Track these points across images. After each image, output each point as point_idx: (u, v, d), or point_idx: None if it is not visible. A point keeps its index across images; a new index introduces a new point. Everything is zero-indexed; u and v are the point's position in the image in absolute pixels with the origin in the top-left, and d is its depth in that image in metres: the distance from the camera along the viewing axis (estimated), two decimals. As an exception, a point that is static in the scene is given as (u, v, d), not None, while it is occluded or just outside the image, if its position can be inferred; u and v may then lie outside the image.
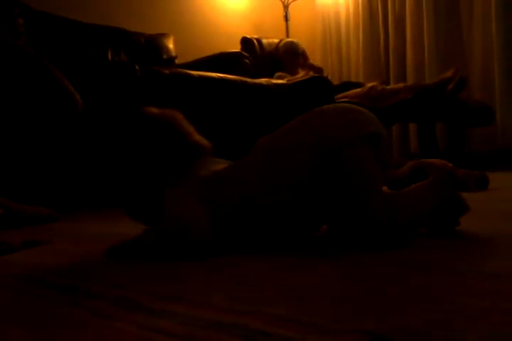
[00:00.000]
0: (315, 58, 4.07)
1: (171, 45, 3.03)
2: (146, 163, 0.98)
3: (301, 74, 3.08)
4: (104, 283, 0.66)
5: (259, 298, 0.54)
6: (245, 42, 3.43)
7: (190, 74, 2.08)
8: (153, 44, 2.93)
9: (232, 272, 0.69)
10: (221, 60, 2.80)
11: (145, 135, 1.01)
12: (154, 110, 1.07)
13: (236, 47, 3.28)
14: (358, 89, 3.03)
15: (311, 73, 3.05)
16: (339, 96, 2.96)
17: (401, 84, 3.13)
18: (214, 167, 0.96)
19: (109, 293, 0.60)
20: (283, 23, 4.18)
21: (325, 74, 3.15)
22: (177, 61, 2.99)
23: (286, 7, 4.19)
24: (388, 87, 3.04)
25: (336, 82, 3.58)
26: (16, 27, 2.34)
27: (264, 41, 3.50)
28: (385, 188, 1.09)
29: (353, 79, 3.92)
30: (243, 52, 3.02)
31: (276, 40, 3.55)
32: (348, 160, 0.83)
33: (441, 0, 3.61)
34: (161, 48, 2.96)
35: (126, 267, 0.77)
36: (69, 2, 2.90)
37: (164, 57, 2.94)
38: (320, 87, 2.72)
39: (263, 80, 2.49)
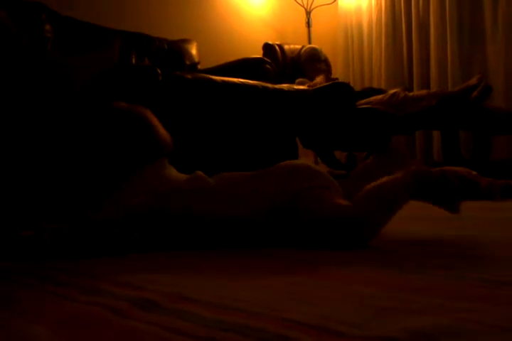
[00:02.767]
0: (337, 64, 4.06)
1: (193, 51, 3.06)
2: (110, 153, 1.04)
3: (318, 80, 3.07)
4: (119, 283, 0.66)
5: (275, 301, 0.54)
6: (267, 48, 3.44)
7: (212, 79, 2.09)
8: (176, 50, 2.96)
9: (246, 275, 0.69)
10: (243, 66, 2.80)
11: (112, 126, 1.07)
12: (123, 104, 1.13)
13: (258, 54, 3.30)
14: (380, 96, 3.00)
15: (322, 77, 3.04)
16: (361, 102, 2.94)
17: (424, 91, 3.09)
18: (164, 178, 1.01)
19: (127, 293, 0.60)
20: (305, 29, 4.19)
21: (346, 81, 3.14)
22: (199, 67, 3.01)
23: (308, 13, 4.20)
24: (411, 94, 3.01)
25: (357, 88, 3.56)
26: (43, 32, 2.40)
27: (286, 47, 3.51)
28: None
29: (375, 86, 3.90)
30: (265, 58, 3.03)
31: (298, 47, 3.55)
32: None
33: (465, 6, 3.57)
34: (184, 54, 2.98)
35: (137, 267, 0.78)
36: (94, 8, 2.95)
37: (187, 62, 2.96)
38: (342, 93, 2.70)
39: (284, 86, 2.48)
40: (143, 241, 0.94)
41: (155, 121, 1.13)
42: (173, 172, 1.06)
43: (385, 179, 0.98)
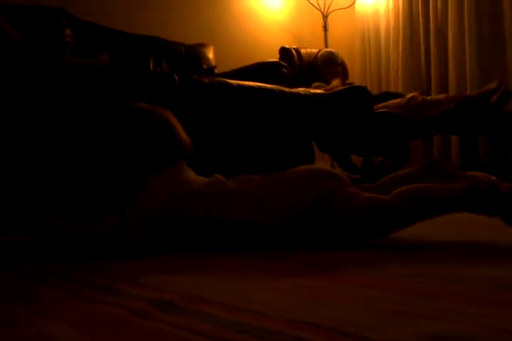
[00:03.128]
0: (354, 68, 4.05)
1: (210, 55, 3.08)
2: (130, 154, 1.05)
3: (334, 84, 3.06)
4: (138, 284, 0.67)
5: (288, 303, 0.54)
6: (284, 52, 3.45)
7: (229, 83, 2.10)
8: (193, 54, 2.99)
9: (259, 277, 0.70)
10: (259, 70, 2.82)
11: (134, 127, 1.07)
12: (145, 105, 1.13)
13: (275, 57, 3.30)
14: (398, 100, 2.98)
15: (338, 81, 3.04)
16: (378, 106, 2.92)
17: (442, 95, 3.06)
18: (183, 181, 1.01)
19: (145, 294, 0.61)
20: (322, 33, 4.18)
21: (363, 85, 3.13)
22: (216, 70, 3.03)
23: (325, 17, 4.20)
24: (429, 98, 2.98)
25: (374, 92, 3.54)
26: (63, 37, 2.44)
27: (303, 51, 3.51)
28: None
29: (392, 90, 3.87)
30: (281, 62, 3.03)
31: (314, 50, 3.55)
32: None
33: (484, 10, 3.53)
34: (201, 58, 3.01)
35: (155, 268, 0.79)
36: (112, 13, 3.00)
37: (204, 66, 2.99)
38: (359, 97, 2.69)
39: (301, 89, 2.49)
40: (162, 244, 0.95)
41: (176, 122, 1.14)
42: (191, 174, 1.07)
43: (435, 185, 0.97)
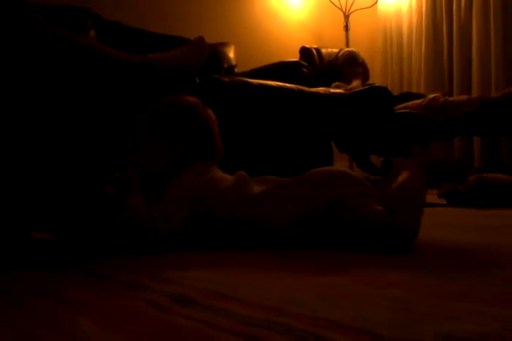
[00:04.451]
0: (375, 68, 4.02)
1: (231, 54, 3.09)
2: (166, 146, 1.04)
3: (354, 84, 3.04)
4: (160, 279, 0.68)
5: (308, 301, 0.54)
6: (304, 51, 3.44)
7: (249, 82, 2.10)
8: (214, 53, 3.00)
9: (278, 275, 0.70)
10: (279, 69, 2.81)
11: (177, 120, 1.06)
12: (194, 99, 1.12)
13: (295, 57, 3.30)
14: (419, 100, 2.95)
15: (359, 81, 3.01)
16: (399, 106, 2.89)
17: (465, 96, 3.02)
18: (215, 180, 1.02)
19: (167, 289, 0.62)
20: (343, 32, 4.16)
21: (384, 85, 3.10)
22: (237, 70, 3.04)
23: (346, 17, 4.17)
24: (451, 99, 2.95)
25: (396, 92, 3.51)
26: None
27: (324, 51, 3.49)
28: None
29: (414, 91, 3.83)
30: (301, 62, 3.02)
31: (335, 50, 3.54)
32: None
33: (510, 9, 3.47)
34: (222, 57, 3.02)
35: (176, 264, 0.80)
36: (135, 12, 3.03)
37: (225, 65, 3.00)
38: (379, 97, 2.67)
39: (321, 89, 2.48)
40: (185, 241, 0.96)
41: (216, 124, 1.13)
42: (219, 174, 1.06)
43: (400, 178, 0.99)
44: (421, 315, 0.49)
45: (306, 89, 2.32)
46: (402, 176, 1.01)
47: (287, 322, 0.47)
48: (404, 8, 4.18)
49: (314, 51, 3.45)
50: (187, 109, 1.10)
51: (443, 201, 1.99)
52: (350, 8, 4.14)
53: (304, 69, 2.88)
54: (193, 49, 1.86)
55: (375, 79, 3.89)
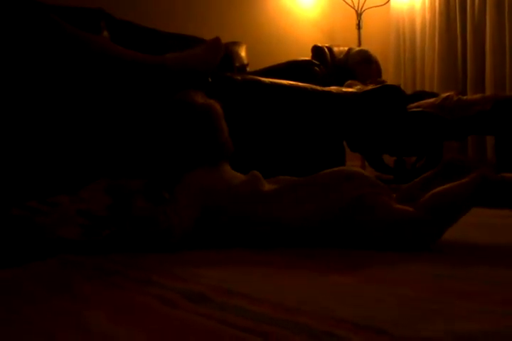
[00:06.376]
0: (388, 67, 3.99)
1: (243, 53, 3.09)
2: (174, 146, 1.05)
3: (370, 87, 3.03)
4: (170, 276, 0.69)
5: (320, 300, 0.54)
6: (316, 50, 3.43)
7: (261, 80, 2.11)
8: (226, 52, 3.00)
9: (289, 273, 0.70)
10: (291, 68, 2.81)
11: (181, 121, 1.07)
12: (199, 99, 1.12)
13: (307, 56, 3.29)
14: (432, 99, 2.93)
15: (372, 80, 3.00)
16: (412, 105, 2.87)
17: (479, 95, 2.99)
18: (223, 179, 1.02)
19: (177, 285, 0.62)
20: (355, 31, 4.14)
21: (397, 84, 3.08)
22: (248, 68, 3.04)
23: (359, 15, 4.15)
24: (464, 98, 2.92)
25: (409, 91, 3.49)
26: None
27: (336, 49, 3.48)
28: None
29: (427, 89, 3.80)
30: (313, 60, 3.02)
31: (347, 49, 3.52)
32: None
33: (526, 7, 3.42)
34: (233, 56, 3.02)
35: (187, 261, 0.80)
36: (147, 12, 3.04)
37: (236, 64, 3.00)
38: (391, 96, 2.66)
39: (333, 88, 2.47)
40: (197, 238, 0.96)
41: (224, 122, 1.14)
42: (230, 172, 1.07)
43: (448, 186, 0.97)
44: (433, 313, 0.49)
45: (318, 88, 2.31)
46: (452, 185, 0.99)
47: (300, 320, 0.47)
48: (418, 6, 4.14)
49: (326, 50, 3.44)
50: (188, 105, 1.10)
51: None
52: (362, 6, 4.12)
53: (316, 68, 2.87)
54: (209, 49, 1.87)
55: (388, 77, 3.86)
